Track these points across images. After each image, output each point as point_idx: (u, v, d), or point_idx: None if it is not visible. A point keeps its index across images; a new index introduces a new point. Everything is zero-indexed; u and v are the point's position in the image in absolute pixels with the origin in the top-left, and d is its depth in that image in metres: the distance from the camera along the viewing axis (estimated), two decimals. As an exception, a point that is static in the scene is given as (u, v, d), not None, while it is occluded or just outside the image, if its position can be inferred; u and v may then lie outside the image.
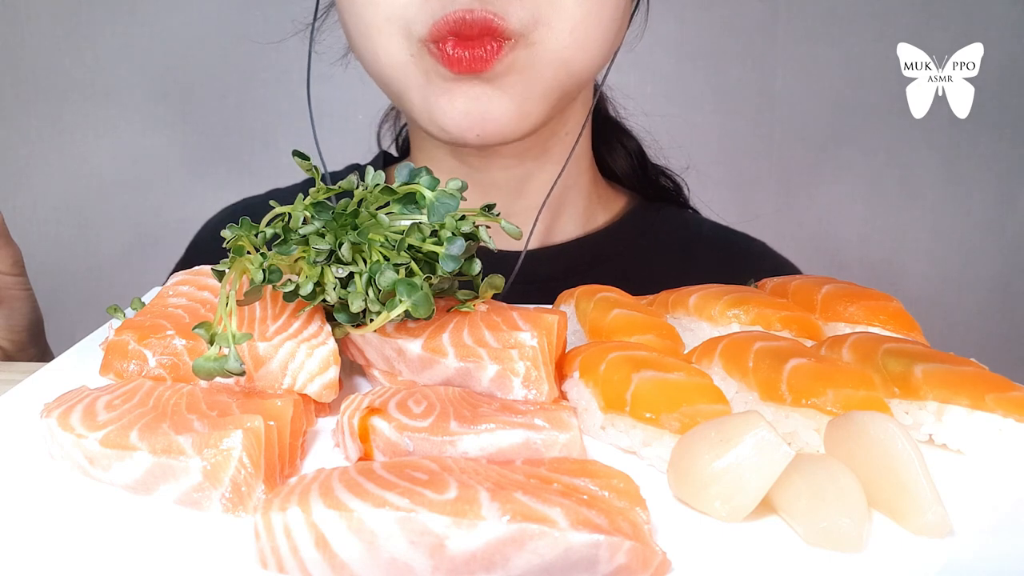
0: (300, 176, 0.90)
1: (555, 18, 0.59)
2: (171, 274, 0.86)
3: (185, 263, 0.87)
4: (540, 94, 0.62)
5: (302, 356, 0.42)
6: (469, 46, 0.57)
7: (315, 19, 0.74)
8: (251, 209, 0.88)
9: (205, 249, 0.87)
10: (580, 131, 0.74)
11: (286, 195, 0.87)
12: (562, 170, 0.71)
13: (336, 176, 0.79)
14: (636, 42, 0.74)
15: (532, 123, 0.63)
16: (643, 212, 0.83)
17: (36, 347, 0.69)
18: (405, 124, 0.88)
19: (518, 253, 0.69)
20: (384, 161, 0.86)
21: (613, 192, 0.84)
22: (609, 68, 0.70)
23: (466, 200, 0.44)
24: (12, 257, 0.65)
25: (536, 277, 0.70)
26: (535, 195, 0.74)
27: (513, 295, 0.66)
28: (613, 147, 0.84)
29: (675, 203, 0.88)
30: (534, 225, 0.71)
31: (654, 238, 0.80)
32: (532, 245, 0.72)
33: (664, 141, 0.89)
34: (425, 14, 0.58)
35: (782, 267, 0.84)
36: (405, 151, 0.89)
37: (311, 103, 0.71)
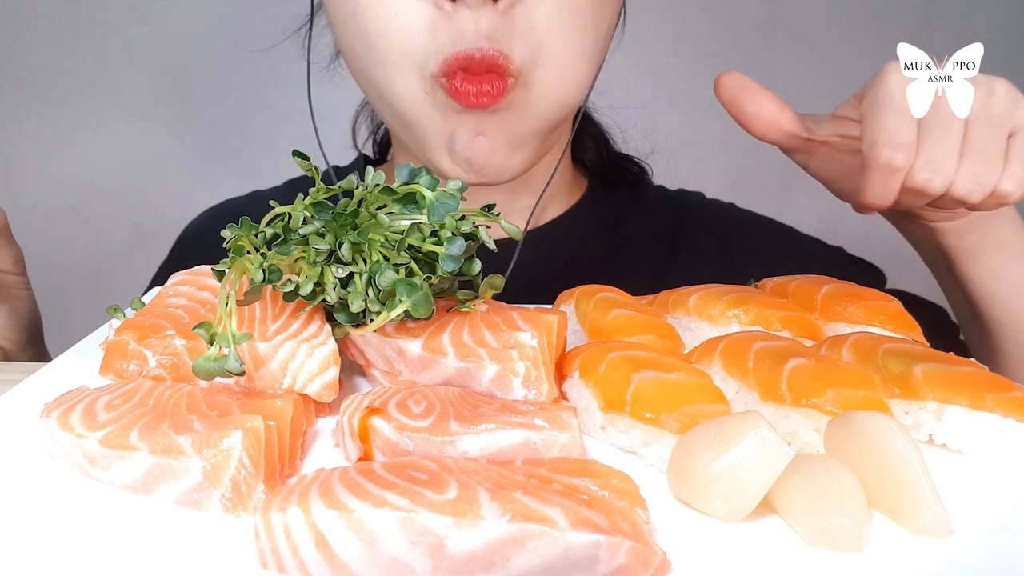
0: (284, 178, 0.90)
1: (549, 59, 0.60)
2: (155, 276, 0.86)
3: (169, 265, 0.87)
4: (533, 132, 0.64)
5: (302, 356, 0.42)
6: (476, 81, 0.59)
7: (311, 21, 0.74)
8: (233, 210, 0.89)
9: (189, 250, 0.87)
10: (566, 144, 0.77)
11: (267, 196, 0.87)
12: (549, 180, 0.74)
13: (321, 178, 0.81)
14: (625, 50, 0.75)
15: (527, 160, 0.65)
16: (600, 189, 0.86)
17: (35, 348, 0.69)
18: (381, 125, 0.89)
19: (510, 244, 0.72)
20: (363, 164, 0.86)
21: (579, 175, 0.87)
22: (590, 93, 0.72)
23: (466, 200, 0.44)
24: (14, 256, 0.66)
25: (521, 261, 0.72)
26: (524, 199, 0.77)
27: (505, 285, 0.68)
28: (582, 136, 0.87)
29: (630, 181, 0.90)
30: (526, 225, 0.74)
31: (615, 209, 0.84)
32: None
33: (650, 141, 0.90)
34: (435, 49, 0.59)
35: (723, 210, 0.88)
36: (382, 152, 0.89)
37: (311, 103, 0.71)
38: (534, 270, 0.73)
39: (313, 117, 0.71)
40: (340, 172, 0.85)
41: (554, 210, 0.81)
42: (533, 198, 0.76)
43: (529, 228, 0.78)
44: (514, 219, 0.76)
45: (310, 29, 0.74)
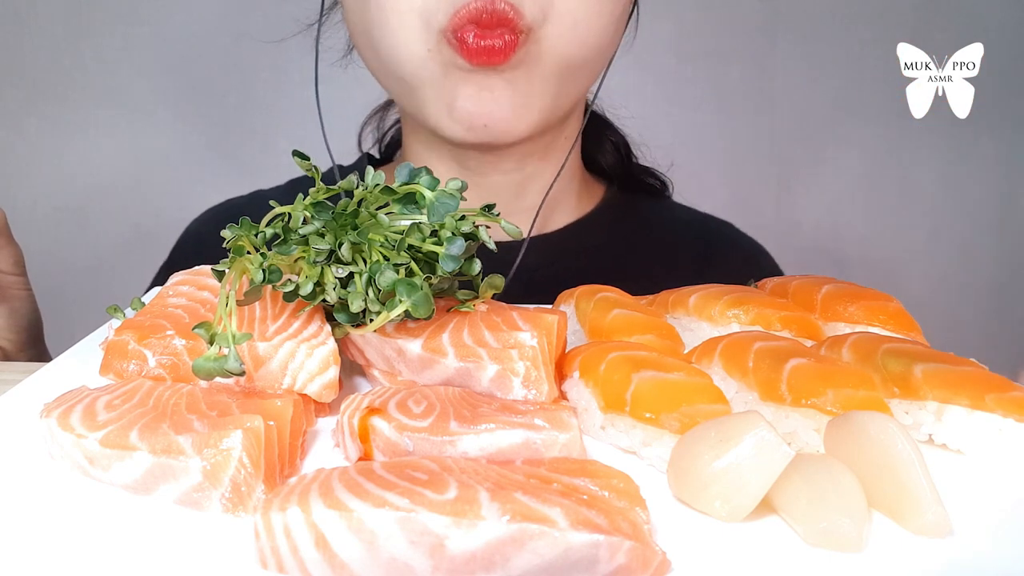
0: (284, 177, 0.90)
1: (559, 15, 0.61)
2: (156, 277, 0.86)
3: (170, 265, 0.87)
4: (540, 90, 0.64)
5: (302, 356, 0.42)
6: (489, 36, 0.59)
7: (321, 16, 0.74)
8: (234, 211, 0.89)
9: (190, 251, 0.87)
10: (575, 139, 0.76)
11: (269, 196, 0.87)
12: (557, 174, 0.74)
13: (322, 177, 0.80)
14: (626, 49, 0.75)
15: (534, 121, 0.65)
16: (621, 198, 0.85)
17: (35, 348, 0.69)
18: (392, 126, 0.89)
19: (515, 246, 0.71)
20: (367, 164, 0.86)
21: (594, 183, 0.86)
22: (601, 82, 0.72)
23: (466, 200, 0.44)
24: (13, 256, 0.66)
25: (528, 265, 0.71)
26: (532, 196, 0.76)
27: (510, 287, 0.67)
28: (600, 142, 0.86)
29: (651, 193, 0.90)
30: (532, 224, 0.73)
31: (631, 223, 0.83)
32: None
33: (651, 142, 0.90)
34: (446, 3, 0.59)
35: (744, 242, 0.87)
36: (388, 154, 0.89)
37: (319, 99, 0.71)
38: (540, 273, 0.72)
39: (320, 111, 0.71)
40: (343, 171, 0.85)
41: (565, 216, 0.80)
42: (539, 197, 0.75)
43: (542, 233, 0.78)
44: (520, 218, 0.75)
45: (320, 22, 0.74)
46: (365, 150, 0.90)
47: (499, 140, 0.65)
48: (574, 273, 0.76)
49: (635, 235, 0.82)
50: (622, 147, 0.87)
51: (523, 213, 0.76)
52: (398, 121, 0.86)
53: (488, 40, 0.59)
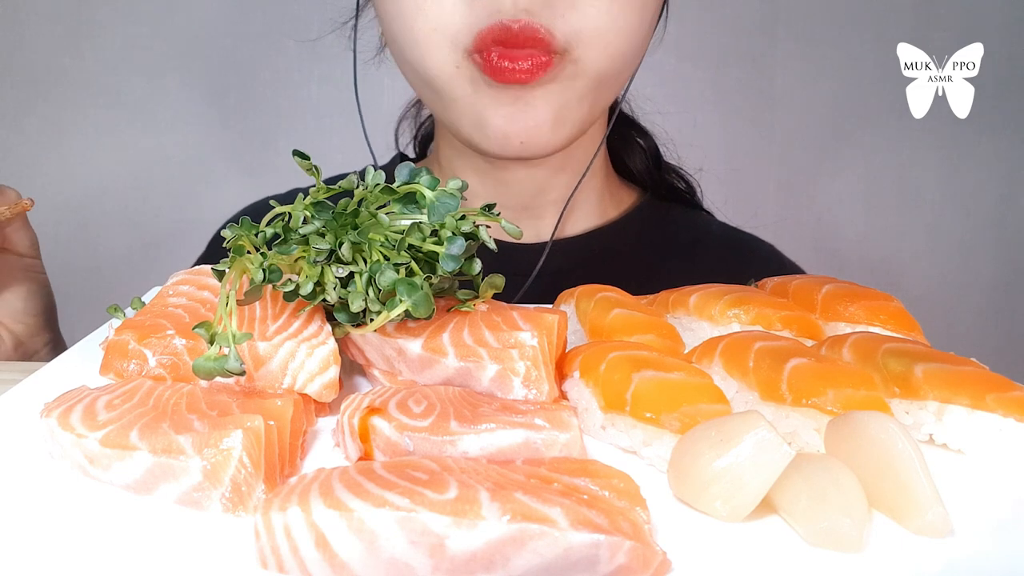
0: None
1: (591, 37, 0.60)
2: None
3: (204, 262, 0.86)
4: (576, 106, 0.64)
5: (302, 356, 0.42)
6: (513, 57, 0.58)
7: (357, 16, 0.74)
8: (269, 210, 0.88)
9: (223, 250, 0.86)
10: (603, 137, 0.75)
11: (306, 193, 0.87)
12: (584, 173, 0.73)
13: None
14: (653, 50, 0.75)
15: (568, 134, 0.65)
16: (653, 207, 0.84)
17: (50, 332, 0.69)
18: (424, 122, 0.89)
19: (537, 248, 0.70)
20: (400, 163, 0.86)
21: (624, 188, 0.85)
22: (630, 82, 0.72)
23: (466, 200, 0.44)
24: (30, 239, 0.66)
25: (546, 270, 0.71)
26: (556, 192, 0.75)
27: (531, 290, 0.66)
28: (629, 145, 0.85)
29: (685, 203, 0.88)
30: (558, 223, 0.73)
31: (662, 234, 0.82)
32: (545, 239, 0.74)
33: (679, 141, 0.89)
34: (470, 24, 0.58)
35: (788, 269, 0.85)
36: (422, 152, 0.89)
37: (359, 99, 0.71)
38: (562, 278, 0.71)
39: (360, 111, 0.71)
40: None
41: (586, 219, 0.79)
42: (560, 195, 0.75)
43: (563, 237, 0.77)
44: (543, 214, 0.75)
45: (356, 21, 0.74)
46: (402, 144, 0.90)
47: (535, 154, 0.64)
48: (598, 281, 0.75)
49: (665, 246, 0.80)
50: (651, 151, 0.85)
51: (545, 208, 0.76)
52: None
53: (511, 62, 0.58)
